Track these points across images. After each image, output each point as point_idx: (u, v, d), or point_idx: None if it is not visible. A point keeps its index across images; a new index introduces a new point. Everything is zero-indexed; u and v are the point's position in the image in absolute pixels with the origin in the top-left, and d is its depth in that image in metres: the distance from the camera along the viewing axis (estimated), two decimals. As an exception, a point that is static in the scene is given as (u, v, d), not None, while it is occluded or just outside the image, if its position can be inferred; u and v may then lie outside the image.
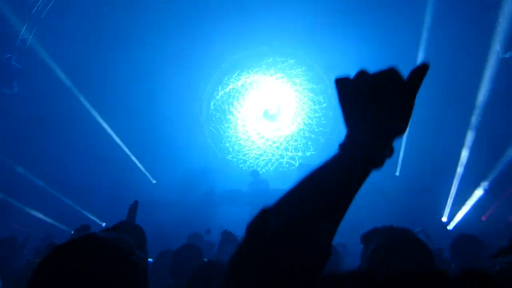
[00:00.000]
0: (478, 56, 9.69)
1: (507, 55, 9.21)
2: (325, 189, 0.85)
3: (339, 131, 12.95)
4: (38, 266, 1.20)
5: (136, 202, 2.87)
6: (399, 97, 0.86)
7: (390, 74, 0.87)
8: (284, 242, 0.82)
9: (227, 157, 13.77)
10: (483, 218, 9.82)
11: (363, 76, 0.88)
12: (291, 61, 13.55)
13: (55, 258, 1.22)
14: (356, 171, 0.86)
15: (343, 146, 0.88)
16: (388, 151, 0.87)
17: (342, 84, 0.90)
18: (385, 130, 0.86)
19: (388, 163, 0.88)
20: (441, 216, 10.20)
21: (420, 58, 10.66)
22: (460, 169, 10.19)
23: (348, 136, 0.89)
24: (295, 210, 0.85)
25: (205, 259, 3.70)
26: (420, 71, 0.88)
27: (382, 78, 0.86)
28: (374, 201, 9.23)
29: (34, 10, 11.10)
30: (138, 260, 1.30)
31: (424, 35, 10.68)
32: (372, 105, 0.86)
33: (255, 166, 12.93)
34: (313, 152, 13.46)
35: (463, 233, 4.20)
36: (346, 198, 0.86)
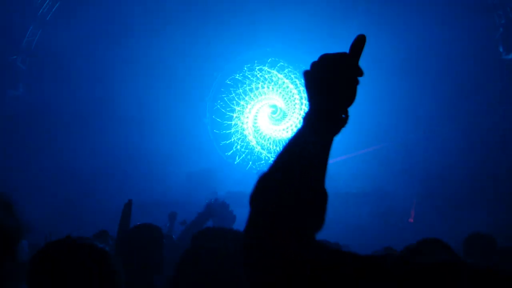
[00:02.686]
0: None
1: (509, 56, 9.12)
2: (300, 148, 1.02)
3: (341, 132, 12.83)
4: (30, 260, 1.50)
5: (130, 202, 2.63)
6: (346, 74, 1.04)
7: (340, 55, 1.04)
8: (288, 188, 0.99)
9: (234, 159, 13.75)
10: None
11: (319, 61, 1.06)
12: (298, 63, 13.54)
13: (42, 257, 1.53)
14: (319, 129, 1.04)
15: (305, 116, 1.06)
16: (343, 115, 1.07)
17: (307, 74, 1.08)
18: (337, 99, 1.05)
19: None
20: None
21: (420, 58, 10.63)
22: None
23: (309, 109, 1.06)
24: (285, 168, 1.02)
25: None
26: (358, 43, 1.06)
27: (333, 60, 1.04)
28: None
29: (40, 12, 11.18)
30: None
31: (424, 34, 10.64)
32: (327, 83, 1.04)
33: (260, 167, 12.89)
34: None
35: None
36: (319, 154, 1.03)
